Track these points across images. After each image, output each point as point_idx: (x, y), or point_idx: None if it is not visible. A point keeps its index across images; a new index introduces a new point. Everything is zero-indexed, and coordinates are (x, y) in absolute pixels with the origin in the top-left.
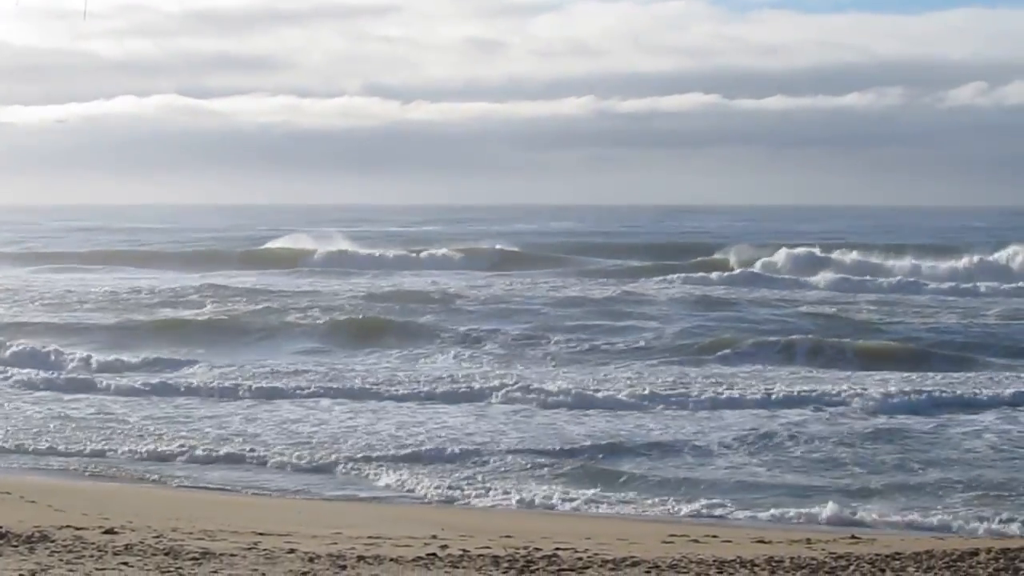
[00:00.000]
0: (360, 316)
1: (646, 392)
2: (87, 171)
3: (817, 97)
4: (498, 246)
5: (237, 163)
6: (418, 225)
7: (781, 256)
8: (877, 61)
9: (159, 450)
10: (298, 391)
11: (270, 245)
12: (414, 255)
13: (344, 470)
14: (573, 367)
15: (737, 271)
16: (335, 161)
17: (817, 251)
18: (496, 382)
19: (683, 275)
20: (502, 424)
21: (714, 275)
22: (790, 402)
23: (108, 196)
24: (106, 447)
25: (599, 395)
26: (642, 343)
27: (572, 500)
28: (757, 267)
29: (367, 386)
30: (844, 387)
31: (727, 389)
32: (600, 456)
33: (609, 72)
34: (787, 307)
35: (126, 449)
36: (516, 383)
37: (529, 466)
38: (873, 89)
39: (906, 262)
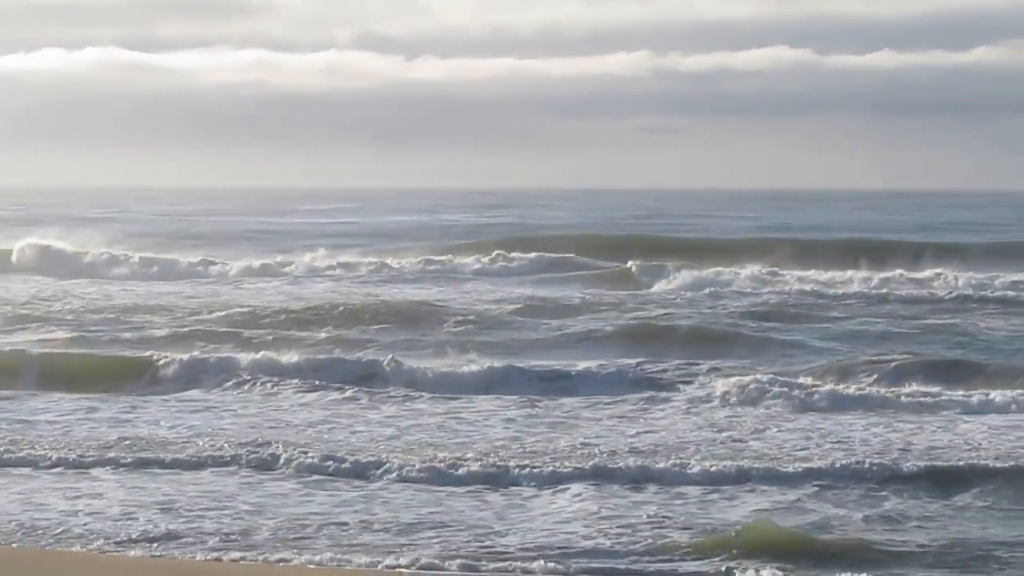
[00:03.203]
0: None
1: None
2: None
3: (934, 52)
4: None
5: (193, 134)
6: (429, 213)
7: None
8: (1011, 5)
9: None
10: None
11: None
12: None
13: None
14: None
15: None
16: (318, 133)
17: None
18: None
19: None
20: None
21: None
22: None
23: (22, 174)
24: None
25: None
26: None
27: None
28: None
29: None
30: None
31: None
32: None
33: (668, 20)
34: None
35: None
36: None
37: None
38: (1007, 42)
39: None
